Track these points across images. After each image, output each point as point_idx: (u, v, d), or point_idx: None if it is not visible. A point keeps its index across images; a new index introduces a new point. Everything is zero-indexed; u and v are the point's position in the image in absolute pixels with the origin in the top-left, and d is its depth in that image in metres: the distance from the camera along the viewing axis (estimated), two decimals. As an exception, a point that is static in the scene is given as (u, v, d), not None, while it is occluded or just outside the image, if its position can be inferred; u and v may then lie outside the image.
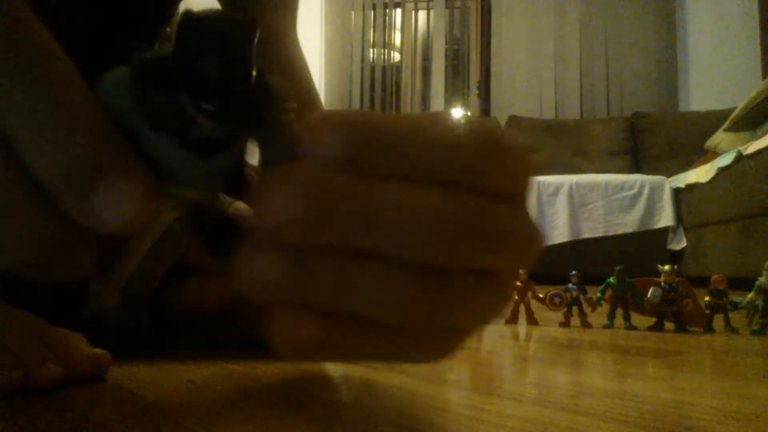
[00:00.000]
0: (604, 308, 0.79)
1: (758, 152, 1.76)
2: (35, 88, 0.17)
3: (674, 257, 2.34)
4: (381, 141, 0.15)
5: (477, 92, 3.72)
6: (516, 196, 0.16)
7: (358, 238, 0.14)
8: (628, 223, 2.40)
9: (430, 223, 0.14)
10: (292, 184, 0.14)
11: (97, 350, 0.36)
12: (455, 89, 3.80)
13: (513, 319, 0.81)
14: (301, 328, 0.15)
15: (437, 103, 3.70)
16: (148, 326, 0.49)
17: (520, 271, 0.82)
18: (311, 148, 0.15)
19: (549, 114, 3.45)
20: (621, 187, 2.47)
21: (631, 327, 0.75)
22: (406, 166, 0.15)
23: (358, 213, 0.14)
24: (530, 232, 0.16)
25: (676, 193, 2.40)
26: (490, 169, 0.15)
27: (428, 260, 0.15)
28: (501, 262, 0.16)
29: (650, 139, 3.05)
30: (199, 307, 0.51)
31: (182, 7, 0.58)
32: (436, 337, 0.17)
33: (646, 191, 2.43)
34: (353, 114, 0.15)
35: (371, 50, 3.79)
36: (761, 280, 0.72)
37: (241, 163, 0.17)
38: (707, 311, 0.73)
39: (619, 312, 0.77)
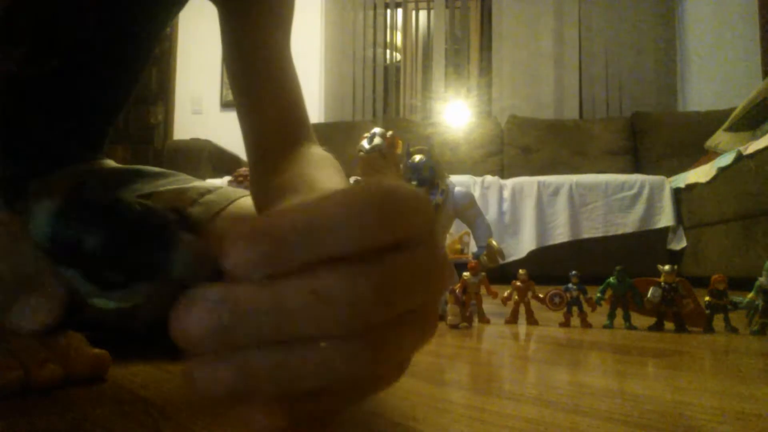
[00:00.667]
0: (604, 308, 0.79)
1: (758, 152, 1.75)
2: None
3: (674, 257, 2.34)
4: (281, 242, 0.16)
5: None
6: (420, 238, 0.18)
7: (276, 335, 0.16)
8: (628, 223, 2.40)
9: (337, 300, 0.16)
10: (198, 308, 0.16)
11: (97, 350, 0.36)
12: (455, 89, 3.79)
13: (513, 319, 0.81)
14: (267, 419, 0.17)
15: (437, 103, 3.70)
16: (147, 326, 0.49)
17: (520, 271, 0.82)
18: (229, 267, 0.16)
19: (549, 114, 3.45)
20: (621, 187, 2.47)
21: (631, 327, 0.75)
22: (317, 252, 0.16)
23: (268, 315, 0.16)
24: (436, 268, 0.18)
25: (676, 193, 2.40)
26: (388, 228, 0.17)
27: (350, 329, 0.16)
28: (419, 302, 0.18)
29: (650, 139, 3.05)
30: None
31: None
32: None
33: (646, 191, 2.43)
34: (252, 226, 0.16)
35: (371, 50, 3.79)
36: (761, 280, 0.71)
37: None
38: (707, 311, 0.73)
39: (619, 312, 0.77)
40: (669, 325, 0.74)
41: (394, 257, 0.17)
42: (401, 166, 1.00)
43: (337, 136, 3.31)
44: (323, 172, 0.42)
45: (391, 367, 0.20)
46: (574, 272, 0.79)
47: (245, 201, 0.54)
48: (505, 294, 0.83)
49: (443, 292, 0.20)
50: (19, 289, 0.18)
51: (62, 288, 0.18)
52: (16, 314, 0.18)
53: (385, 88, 3.82)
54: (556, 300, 0.80)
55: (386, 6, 3.85)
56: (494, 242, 0.91)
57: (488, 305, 0.88)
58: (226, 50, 0.57)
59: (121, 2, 0.50)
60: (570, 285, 0.79)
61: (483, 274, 0.81)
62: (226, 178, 2.50)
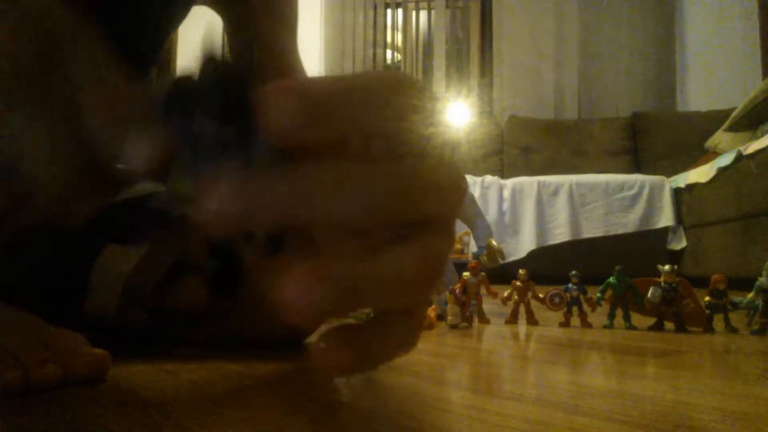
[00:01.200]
0: (604, 308, 0.79)
1: (758, 152, 1.75)
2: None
3: (674, 257, 2.34)
4: (318, 106, 0.17)
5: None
6: (430, 142, 0.19)
7: (291, 218, 0.17)
8: (628, 223, 2.40)
9: (358, 194, 0.17)
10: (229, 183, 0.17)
11: (97, 351, 0.36)
12: (456, 89, 3.79)
13: (513, 319, 0.81)
14: (306, 288, 0.18)
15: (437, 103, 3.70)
16: (147, 326, 0.49)
17: (520, 271, 0.82)
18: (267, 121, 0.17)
19: (549, 114, 3.45)
20: (621, 187, 2.46)
21: (631, 327, 0.75)
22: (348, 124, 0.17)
23: (286, 200, 0.17)
24: (449, 176, 0.19)
25: (676, 193, 2.40)
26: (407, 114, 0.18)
27: (365, 222, 0.17)
28: (432, 209, 0.19)
29: (650, 139, 3.05)
30: (196, 306, 0.51)
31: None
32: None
33: (646, 191, 2.43)
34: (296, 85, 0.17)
35: (371, 50, 3.79)
36: (761, 280, 0.71)
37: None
38: (707, 311, 0.73)
39: (619, 312, 0.77)
40: (669, 325, 0.74)
41: (413, 162, 0.18)
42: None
43: (337, 136, 3.30)
44: None
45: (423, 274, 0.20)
46: (574, 272, 0.79)
47: None
48: (505, 294, 0.83)
49: (455, 204, 0.21)
50: (129, 132, 0.19)
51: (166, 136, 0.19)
52: (127, 156, 0.19)
53: (385, 88, 3.81)
54: (556, 300, 0.80)
55: (386, 6, 3.85)
56: (494, 242, 0.91)
57: (488, 305, 0.88)
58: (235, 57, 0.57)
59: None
60: (570, 285, 0.79)
61: (483, 274, 0.81)
62: (226, 178, 2.50)
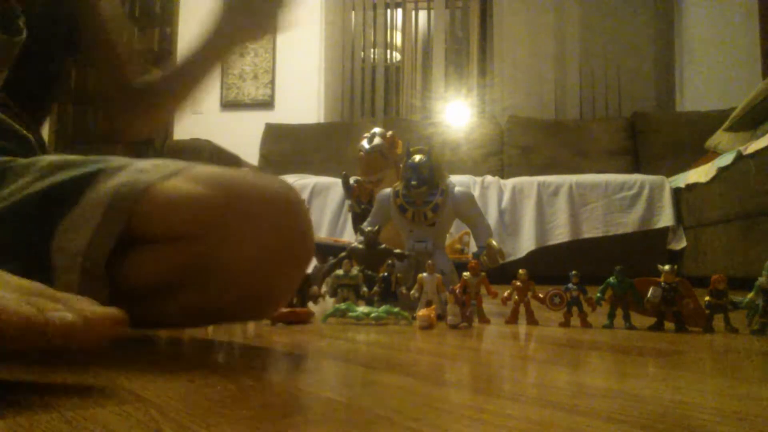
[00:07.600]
0: (604, 308, 0.79)
1: (758, 152, 1.75)
2: None
3: (674, 257, 2.33)
4: None
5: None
6: None
7: None
8: (628, 223, 2.40)
9: None
10: None
11: (110, 309, 0.35)
12: (456, 89, 3.79)
13: (513, 319, 0.81)
14: None
15: (437, 103, 3.70)
16: (108, 302, 0.49)
17: (520, 271, 0.82)
18: None
19: (549, 114, 3.45)
20: (621, 187, 2.46)
21: (631, 327, 0.75)
22: None
23: None
24: None
25: (676, 193, 2.40)
26: None
27: None
28: None
29: (650, 139, 3.05)
30: (149, 278, 0.50)
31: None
32: None
33: (646, 191, 2.43)
34: None
35: (371, 50, 3.79)
36: (761, 280, 0.71)
37: None
38: (707, 311, 0.73)
39: (619, 312, 0.77)
40: (669, 325, 0.74)
41: None
42: (401, 166, 1.00)
43: (336, 136, 3.30)
44: None
45: None
46: (574, 272, 0.79)
47: (173, 184, 0.50)
48: (505, 294, 0.83)
49: None
50: None
51: None
52: None
53: (385, 88, 3.82)
54: (556, 300, 0.79)
55: (386, 6, 3.85)
56: (494, 242, 0.91)
57: (488, 305, 0.88)
58: None
59: None
60: (570, 285, 0.79)
61: (483, 274, 0.81)
62: (226, 178, 2.50)
